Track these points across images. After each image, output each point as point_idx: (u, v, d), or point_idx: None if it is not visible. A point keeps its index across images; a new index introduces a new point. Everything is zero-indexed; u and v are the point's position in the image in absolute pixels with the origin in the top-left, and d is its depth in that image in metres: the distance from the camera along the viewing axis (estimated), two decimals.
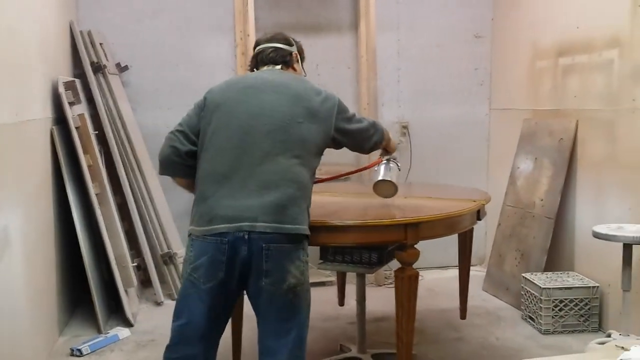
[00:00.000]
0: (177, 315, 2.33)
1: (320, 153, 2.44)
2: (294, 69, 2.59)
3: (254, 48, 2.61)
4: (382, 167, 2.97)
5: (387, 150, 2.93)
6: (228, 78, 2.52)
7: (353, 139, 2.54)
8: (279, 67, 2.53)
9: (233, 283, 2.24)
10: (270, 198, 2.21)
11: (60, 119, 4.02)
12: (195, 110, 2.41)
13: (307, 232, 2.30)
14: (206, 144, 2.33)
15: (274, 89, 2.36)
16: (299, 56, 2.63)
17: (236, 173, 2.25)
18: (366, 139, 2.60)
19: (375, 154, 3.01)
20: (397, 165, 3.00)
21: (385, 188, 2.96)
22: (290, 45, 2.59)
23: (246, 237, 2.18)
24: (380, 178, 2.95)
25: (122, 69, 4.81)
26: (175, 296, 4.37)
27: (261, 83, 2.40)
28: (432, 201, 3.12)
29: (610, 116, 3.74)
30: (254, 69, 2.57)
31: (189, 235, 2.31)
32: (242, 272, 2.23)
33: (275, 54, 2.54)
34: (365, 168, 3.10)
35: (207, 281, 2.23)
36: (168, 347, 2.34)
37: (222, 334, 2.39)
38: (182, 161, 2.36)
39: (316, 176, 2.49)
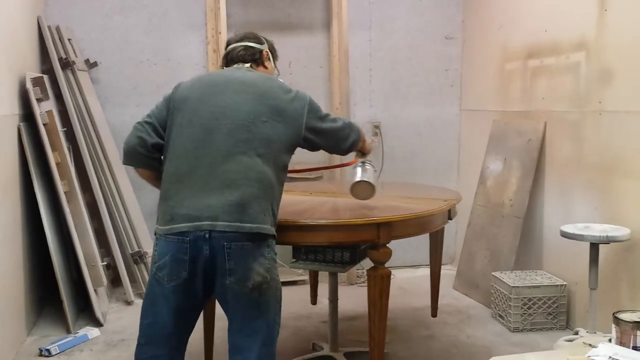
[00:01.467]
0: (143, 314, 2.32)
1: (290, 152, 2.40)
2: (265, 67, 2.57)
3: (225, 48, 2.60)
4: (359, 169, 2.91)
5: (362, 152, 2.89)
6: (197, 75, 2.50)
7: (328, 138, 2.50)
8: (248, 65, 2.52)
9: (198, 282, 2.23)
10: (231, 197, 2.19)
11: (27, 116, 3.95)
12: (164, 103, 2.39)
13: (270, 231, 2.27)
14: (170, 142, 2.31)
15: (239, 87, 2.34)
16: (270, 54, 2.61)
17: (197, 172, 2.23)
18: (342, 139, 2.55)
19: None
20: (373, 166, 2.96)
21: (363, 190, 2.90)
22: (261, 43, 2.57)
23: (207, 235, 2.17)
24: (358, 179, 2.89)
25: (91, 65, 4.74)
26: None
27: (226, 81, 2.38)
28: (404, 201, 3.14)
29: (577, 118, 3.81)
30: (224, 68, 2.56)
31: (155, 234, 2.30)
32: (206, 271, 2.22)
33: (244, 52, 2.52)
34: (340, 165, 3.04)
35: (170, 280, 2.22)
36: (137, 347, 2.34)
37: (189, 334, 2.37)
38: (148, 153, 2.33)
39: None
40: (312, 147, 2.50)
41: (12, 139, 3.68)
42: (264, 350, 2.27)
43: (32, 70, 4.20)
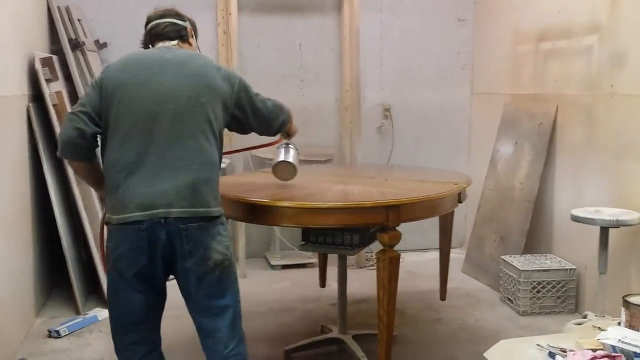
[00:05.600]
0: (112, 308, 2.32)
1: (223, 132, 2.40)
2: (190, 44, 2.50)
3: (146, 24, 2.50)
4: (282, 150, 2.95)
5: (288, 134, 2.88)
6: (126, 55, 2.38)
7: (258, 118, 2.50)
8: (174, 42, 2.43)
9: (158, 267, 2.22)
10: (182, 183, 2.18)
11: (37, 96, 3.95)
12: (94, 90, 2.27)
13: (221, 212, 2.29)
14: (110, 131, 2.24)
15: (174, 70, 2.28)
16: (193, 31, 2.54)
17: (146, 160, 2.19)
18: (273, 119, 2.58)
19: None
20: (296, 149, 2.99)
21: (286, 170, 2.96)
22: (184, 20, 2.50)
23: (163, 221, 2.17)
24: (280, 159, 2.94)
25: (100, 45, 4.73)
26: None
27: (160, 63, 2.30)
28: (414, 184, 3.13)
29: (590, 101, 3.77)
30: (149, 46, 2.47)
31: (106, 223, 2.28)
32: (165, 256, 2.21)
33: (170, 28, 2.44)
34: (267, 145, 3.01)
35: (130, 269, 2.21)
36: (114, 339, 2.35)
37: (161, 314, 2.37)
38: (87, 144, 2.25)
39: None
40: (241, 127, 2.50)
41: (21, 119, 3.69)
42: (233, 328, 2.29)
43: (42, 50, 4.20)
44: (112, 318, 2.32)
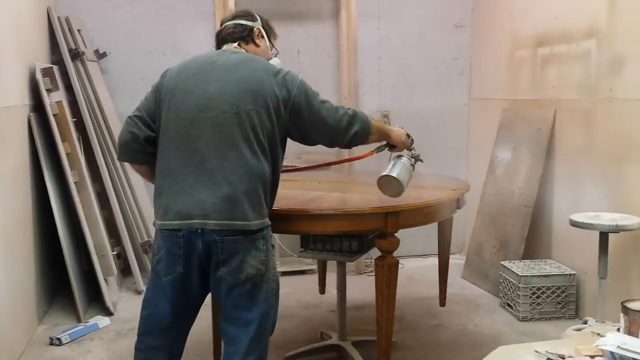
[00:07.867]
0: (143, 305, 2.33)
1: (281, 139, 2.28)
2: (257, 45, 2.43)
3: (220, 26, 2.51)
4: (391, 163, 2.66)
5: (392, 145, 2.68)
6: (187, 58, 2.36)
7: (320, 127, 2.31)
8: (235, 44, 2.39)
9: (194, 276, 2.21)
10: (220, 194, 2.13)
11: (37, 106, 3.96)
12: (152, 94, 2.31)
13: (263, 224, 2.20)
14: (160, 136, 2.25)
15: (220, 75, 2.22)
16: (264, 32, 2.47)
17: (187, 169, 2.17)
18: (342, 130, 2.35)
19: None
20: (411, 161, 2.67)
21: (387, 185, 2.63)
22: (253, 20, 2.44)
23: (199, 231, 2.14)
24: (384, 173, 2.62)
25: (100, 55, 4.75)
26: None
27: (208, 68, 2.25)
28: (412, 190, 3.12)
29: (588, 106, 3.78)
30: (217, 49, 2.46)
31: (154, 225, 2.30)
32: (201, 265, 2.20)
33: (233, 30, 2.41)
34: (354, 159, 2.87)
35: (167, 274, 2.21)
36: (137, 337, 2.35)
37: (189, 327, 2.36)
38: (141, 148, 2.28)
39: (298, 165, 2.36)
40: (301, 135, 2.34)
41: (22, 129, 3.70)
42: (254, 342, 2.24)
43: (42, 61, 4.22)
44: (141, 318, 2.32)
